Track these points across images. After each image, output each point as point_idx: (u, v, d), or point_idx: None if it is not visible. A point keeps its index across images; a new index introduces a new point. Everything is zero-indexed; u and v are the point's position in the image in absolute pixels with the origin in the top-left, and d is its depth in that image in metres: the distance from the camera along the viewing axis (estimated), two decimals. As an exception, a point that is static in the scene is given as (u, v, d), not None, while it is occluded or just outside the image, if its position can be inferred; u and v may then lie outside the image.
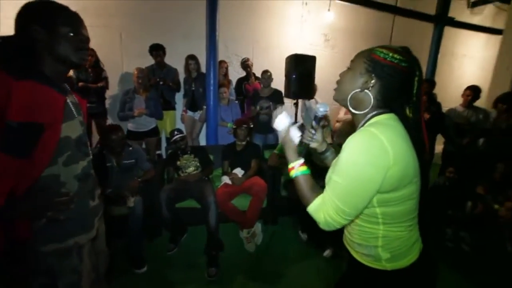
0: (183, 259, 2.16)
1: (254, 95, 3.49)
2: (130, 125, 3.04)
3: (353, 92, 0.77)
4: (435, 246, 2.47)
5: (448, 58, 5.84)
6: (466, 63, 6.27)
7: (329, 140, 2.57)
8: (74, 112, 0.96)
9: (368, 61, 0.75)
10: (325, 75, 4.12)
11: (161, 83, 3.28)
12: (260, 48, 4.35)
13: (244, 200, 2.47)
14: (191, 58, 3.35)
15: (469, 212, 2.60)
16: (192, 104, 3.54)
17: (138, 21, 3.65)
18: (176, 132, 2.58)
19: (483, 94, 3.25)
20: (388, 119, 0.74)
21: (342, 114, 3.83)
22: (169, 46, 3.46)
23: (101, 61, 3.20)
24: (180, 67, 3.54)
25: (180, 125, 3.72)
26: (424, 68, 0.76)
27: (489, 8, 5.98)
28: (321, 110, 0.93)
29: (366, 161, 0.67)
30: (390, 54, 0.72)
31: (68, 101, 0.94)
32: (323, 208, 0.74)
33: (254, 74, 3.85)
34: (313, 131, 0.98)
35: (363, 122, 0.78)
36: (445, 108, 3.34)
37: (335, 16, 4.57)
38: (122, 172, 2.14)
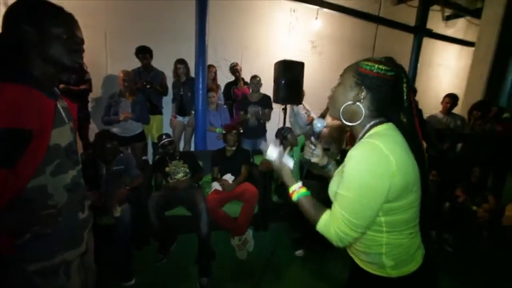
0: (173, 269, 2.08)
1: (243, 100, 3.48)
2: (115, 130, 2.91)
3: (344, 105, 0.79)
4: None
5: (426, 67, 6.17)
6: (442, 72, 6.66)
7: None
8: (65, 118, 0.90)
9: (356, 74, 0.77)
10: (312, 81, 4.21)
11: (147, 86, 3.18)
12: (249, 53, 4.36)
13: (235, 207, 2.44)
14: (180, 62, 3.29)
15: (447, 212, 2.71)
16: (181, 108, 3.47)
17: (124, 21, 3.53)
18: (164, 137, 2.51)
19: (459, 102, 3.45)
20: (387, 129, 0.76)
21: (329, 120, 3.91)
22: (156, 49, 3.38)
23: (84, 62, 3.06)
24: (167, 70, 3.47)
25: (167, 130, 3.62)
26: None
27: (461, 22, 6.41)
28: (318, 125, 0.96)
29: (371, 172, 0.69)
30: (376, 66, 0.75)
31: (58, 106, 0.88)
32: (334, 224, 0.75)
33: (243, 79, 3.85)
34: (313, 147, 1.01)
35: (362, 133, 0.79)
36: (424, 115, 3.51)
37: (322, 24, 4.70)
38: (110, 179, 2.04)
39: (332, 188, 0.84)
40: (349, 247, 0.90)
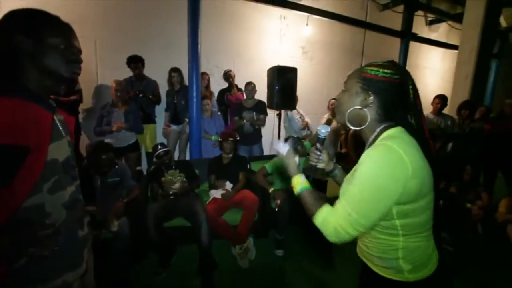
0: (174, 283, 2.01)
1: (238, 106, 3.48)
2: (108, 141, 2.84)
3: (350, 109, 0.79)
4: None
5: (413, 70, 6.35)
6: (428, 74, 6.89)
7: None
8: (62, 131, 0.86)
9: (361, 80, 0.78)
10: (304, 86, 4.26)
11: (140, 95, 3.14)
12: (241, 60, 4.39)
13: (234, 215, 2.40)
14: (174, 70, 3.28)
15: (441, 210, 2.75)
16: (175, 117, 3.43)
17: (114, 29, 3.48)
18: (159, 147, 2.46)
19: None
20: (399, 131, 0.76)
21: (334, 124, 3.96)
22: (148, 57, 3.34)
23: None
24: (159, 78, 3.43)
25: (160, 139, 3.57)
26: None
27: (443, 26, 6.69)
28: (323, 131, 0.97)
29: (386, 174, 0.68)
30: (381, 70, 0.75)
31: (55, 119, 0.84)
32: (334, 219, 0.73)
33: (236, 86, 3.85)
34: (318, 153, 1.01)
35: (373, 137, 0.79)
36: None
37: (313, 30, 4.79)
38: (105, 192, 1.97)
39: (343, 188, 0.83)
40: (362, 252, 0.89)
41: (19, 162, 0.71)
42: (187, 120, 3.31)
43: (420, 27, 6.13)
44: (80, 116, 3.20)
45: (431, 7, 5.97)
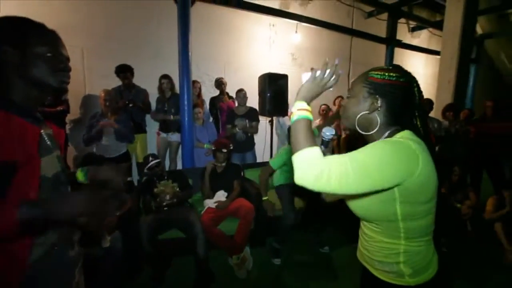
0: (170, 297, 1.95)
1: (230, 113, 3.47)
2: (96, 151, 2.76)
3: (360, 114, 0.80)
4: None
5: (398, 75, 6.58)
6: (412, 79, 7.13)
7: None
8: (50, 146, 0.83)
9: (368, 84, 0.79)
10: (295, 92, 4.26)
11: (130, 105, 3.07)
12: (231, 67, 4.40)
13: (230, 224, 2.36)
14: (164, 77, 3.24)
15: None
16: (165, 125, 3.37)
17: (102, 37, 3.41)
18: (151, 158, 2.40)
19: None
20: (409, 134, 0.76)
21: (316, 123, 4.00)
22: (137, 65, 3.29)
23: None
24: (148, 87, 3.38)
25: (151, 148, 3.50)
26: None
27: (424, 33, 6.98)
28: (327, 134, 0.94)
29: (396, 156, 0.67)
30: (387, 74, 0.77)
31: (43, 133, 0.81)
32: (326, 162, 0.67)
33: (227, 93, 3.85)
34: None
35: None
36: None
37: (301, 37, 4.88)
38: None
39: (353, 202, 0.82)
40: (363, 257, 0.89)
41: (8, 178, 0.68)
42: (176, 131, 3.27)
43: (403, 34, 6.37)
44: (67, 127, 3.09)
45: (413, 15, 6.23)
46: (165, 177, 2.43)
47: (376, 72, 0.78)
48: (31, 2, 2.91)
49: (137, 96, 3.22)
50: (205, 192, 2.58)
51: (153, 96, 3.42)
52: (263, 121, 3.66)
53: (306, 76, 0.82)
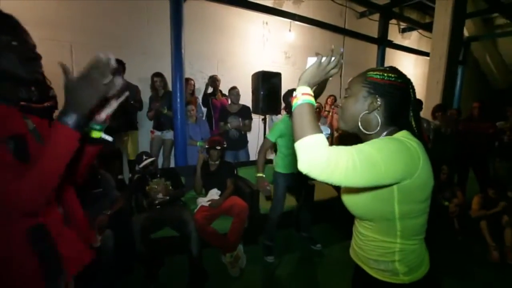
0: (163, 296, 1.93)
1: (223, 111, 3.45)
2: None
3: (362, 114, 0.80)
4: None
5: (388, 75, 6.69)
6: (402, 79, 7.27)
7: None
8: (35, 140, 0.80)
9: (367, 84, 0.79)
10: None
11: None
12: (224, 65, 4.37)
13: (223, 222, 2.35)
14: (157, 75, 3.19)
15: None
16: (158, 123, 3.32)
17: (91, 33, 3.31)
18: (144, 157, 2.36)
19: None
20: (407, 134, 0.77)
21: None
22: (128, 62, 3.22)
23: (48, 78, 2.80)
24: (140, 84, 3.32)
25: (143, 146, 3.44)
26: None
27: (414, 34, 7.12)
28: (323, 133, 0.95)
29: (399, 155, 0.68)
30: (386, 74, 0.78)
31: (28, 121, 0.78)
32: (334, 149, 0.65)
33: (220, 91, 3.83)
34: None
35: None
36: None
37: (295, 35, 4.88)
38: (87, 204, 1.84)
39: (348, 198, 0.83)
40: (357, 255, 0.90)
41: (24, 146, 0.72)
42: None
43: (394, 34, 6.48)
44: (55, 123, 3.00)
45: (403, 16, 6.34)
46: (158, 175, 2.40)
47: (375, 73, 0.79)
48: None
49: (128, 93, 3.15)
50: (197, 185, 2.53)
51: (144, 93, 3.36)
52: (256, 119, 3.65)
53: (312, 60, 0.78)
